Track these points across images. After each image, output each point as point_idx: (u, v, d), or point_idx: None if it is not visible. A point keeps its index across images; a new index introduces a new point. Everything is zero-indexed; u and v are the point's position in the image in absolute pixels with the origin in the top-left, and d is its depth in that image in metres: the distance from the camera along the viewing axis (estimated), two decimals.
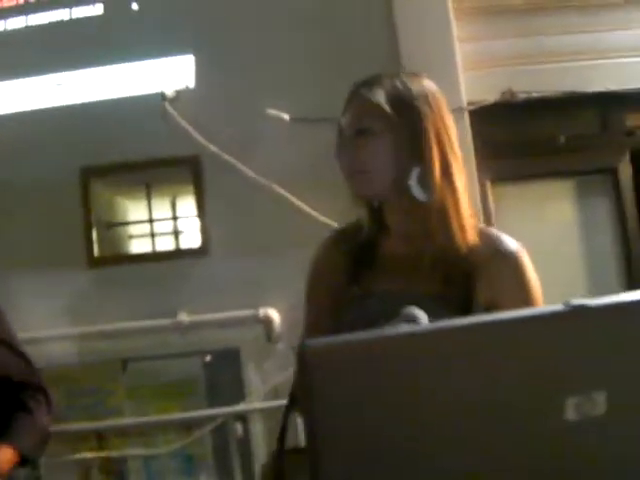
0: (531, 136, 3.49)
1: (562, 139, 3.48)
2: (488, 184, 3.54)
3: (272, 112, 3.33)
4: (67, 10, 3.50)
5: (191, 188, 3.48)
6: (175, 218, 3.65)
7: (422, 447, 0.95)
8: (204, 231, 3.45)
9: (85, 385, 3.31)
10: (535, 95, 3.42)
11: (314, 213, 3.24)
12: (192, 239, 3.55)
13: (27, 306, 3.04)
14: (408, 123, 1.62)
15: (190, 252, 3.50)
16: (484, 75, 3.45)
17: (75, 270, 3.40)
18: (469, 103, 3.39)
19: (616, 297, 1.04)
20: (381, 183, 1.64)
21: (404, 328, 1.10)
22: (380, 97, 1.62)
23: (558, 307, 1.00)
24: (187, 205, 3.57)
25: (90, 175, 3.45)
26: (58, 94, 3.51)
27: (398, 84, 1.65)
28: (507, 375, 0.98)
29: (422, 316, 1.31)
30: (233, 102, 3.40)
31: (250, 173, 3.34)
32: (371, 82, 1.66)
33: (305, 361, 0.91)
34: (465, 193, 1.65)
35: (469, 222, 1.64)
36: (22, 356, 2.11)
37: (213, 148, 3.37)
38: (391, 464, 0.94)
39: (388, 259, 1.70)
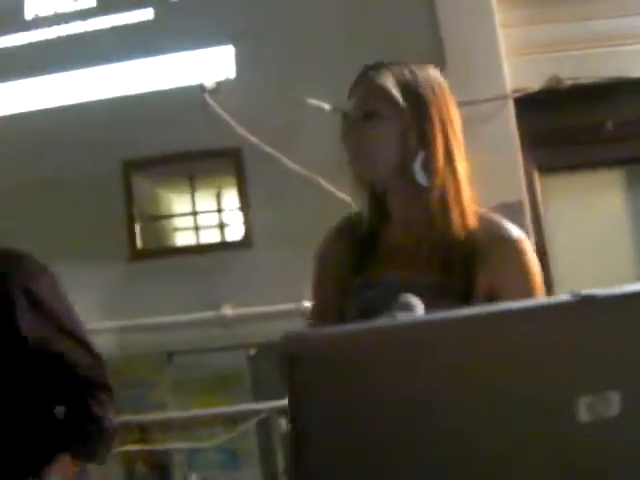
0: (578, 124, 3.39)
1: (610, 126, 3.39)
2: (535, 174, 3.47)
3: (313, 102, 3.29)
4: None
5: (234, 180, 3.47)
6: (220, 210, 3.64)
7: (413, 447, 0.90)
8: (247, 223, 3.43)
9: (129, 378, 3.30)
10: (582, 81, 3.33)
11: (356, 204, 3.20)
12: (236, 231, 3.54)
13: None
14: (414, 109, 1.62)
15: (233, 245, 3.49)
16: (529, 61, 3.38)
17: (118, 263, 3.41)
18: (513, 90, 3.33)
19: (629, 287, 0.95)
20: (385, 167, 1.64)
21: (393, 319, 1.04)
22: (388, 81, 1.63)
23: (565, 297, 0.92)
24: (232, 197, 3.57)
25: (132, 168, 3.46)
26: (99, 87, 3.52)
27: (405, 71, 1.65)
28: (511, 372, 0.91)
29: (418, 304, 1.27)
30: (273, 92, 3.37)
31: (292, 164, 3.32)
32: (379, 67, 1.67)
33: (285, 353, 0.86)
34: (466, 179, 1.66)
35: (470, 207, 1.64)
36: (88, 349, 2.04)
37: (254, 139, 3.35)
38: (377, 463, 0.89)
39: (390, 248, 1.70)
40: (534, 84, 3.34)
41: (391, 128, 1.62)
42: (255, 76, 3.43)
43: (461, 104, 3.30)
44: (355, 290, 1.69)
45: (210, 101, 3.40)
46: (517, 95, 3.32)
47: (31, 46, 3.59)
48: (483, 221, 1.65)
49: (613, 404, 0.91)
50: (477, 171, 3.33)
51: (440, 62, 3.32)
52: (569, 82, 3.34)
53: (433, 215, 1.62)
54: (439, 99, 1.65)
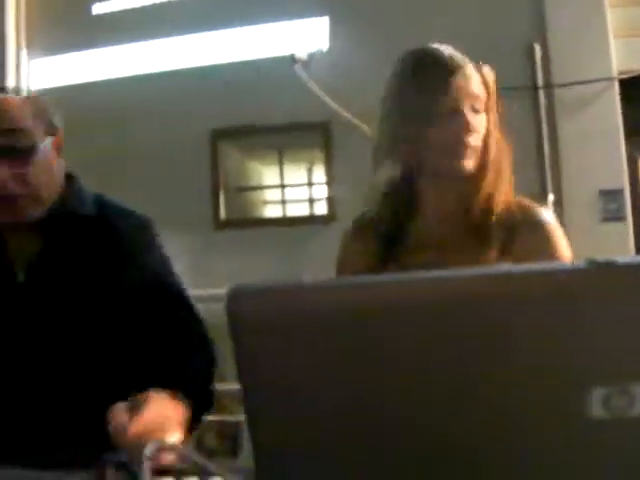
0: None
1: None
2: (639, 161, 3.31)
3: None
4: None
5: (322, 154, 3.42)
6: (311, 184, 3.59)
7: (378, 420, 0.77)
8: (331, 197, 3.38)
9: None
10: None
11: None
12: (322, 205, 3.50)
13: None
14: (490, 104, 1.63)
15: (315, 218, 3.45)
16: (638, 43, 3.19)
17: (200, 232, 3.42)
18: (620, 72, 3.16)
19: None
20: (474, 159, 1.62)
21: (362, 278, 0.91)
22: (488, 77, 1.62)
23: (579, 265, 0.75)
24: (321, 171, 3.52)
25: (220, 138, 3.44)
26: (191, 55, 3.52)
27: (481, 67, 1.63)
28: (507, 352, 0.75)
29: None
30: (365, 66, 3.28)
31: None
32: (463, 62, 1.61)
33: (231, 307, 0.75)
34: (507, 167, 1.63)
35: (508, 194, 1.63)
36: (188, 309, 1.78)
37: (344, 113, 3.28)
38: (339, 438, 0.77)
39: (422, 237, 1.66)
40: None
41: (484, 122, 1.61)
42: (347, 49, 3.35)
43: (563, 85, 3.20)
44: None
45: (301, 73, 3.34)
46: (624, 77, 3.15)
47: (126, 13, 3.63)
48: (518, 206, 1.63)
49: (637, 400, 0.74)
50: (577, 155, 3.21)
51: (542, 41, 3.20)
52: None
53: (473, 203, 1.60)
54: (493, 96, 1.64)
